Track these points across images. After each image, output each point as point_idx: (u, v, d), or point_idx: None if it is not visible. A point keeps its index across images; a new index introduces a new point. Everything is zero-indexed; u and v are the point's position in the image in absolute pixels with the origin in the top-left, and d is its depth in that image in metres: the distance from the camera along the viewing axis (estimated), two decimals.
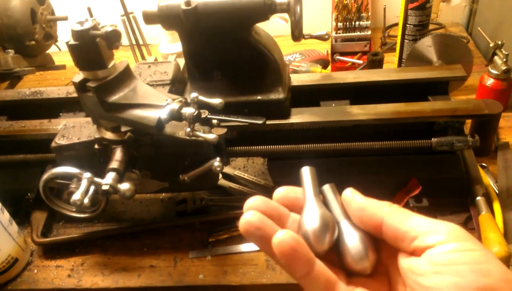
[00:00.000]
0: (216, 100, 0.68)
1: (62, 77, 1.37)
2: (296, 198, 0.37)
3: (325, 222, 0.34)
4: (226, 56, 0.74)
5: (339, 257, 0.35)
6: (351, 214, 0.35)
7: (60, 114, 0.88)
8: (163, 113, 0.61)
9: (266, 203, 0.35)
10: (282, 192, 0.37)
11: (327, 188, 0.38)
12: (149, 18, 0.71)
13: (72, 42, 0.58)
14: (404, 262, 0.32)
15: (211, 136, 0.64)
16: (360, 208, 0.34)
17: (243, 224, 0.33)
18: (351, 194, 0.36)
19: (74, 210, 0.73)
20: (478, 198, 0.73)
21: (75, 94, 0.86)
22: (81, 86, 0.63)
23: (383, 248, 0.36)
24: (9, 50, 1.15)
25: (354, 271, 0.35)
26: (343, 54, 1.20)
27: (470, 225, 0.73)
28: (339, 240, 0.35)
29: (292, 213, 0.37)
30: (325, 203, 0.37)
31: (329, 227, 0.34)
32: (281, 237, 0.31)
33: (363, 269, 0.34)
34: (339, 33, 1.19)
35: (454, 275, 0.28)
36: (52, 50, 1.28)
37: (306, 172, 0.37)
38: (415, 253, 0.32)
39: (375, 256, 0.35)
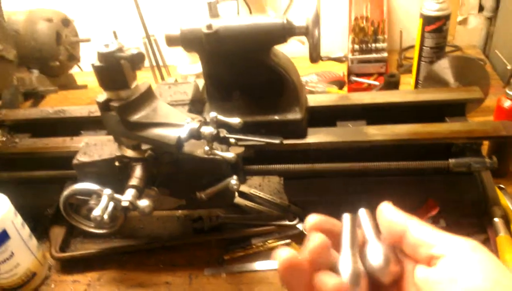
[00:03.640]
0: (235, 120, 0.69)
1: (84, 96, 1.40)
2: (330, 230, 0.37)
3: (356, 278, 0.35)
4: (244, 77, 0.75)
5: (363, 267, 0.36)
6: (380, 224, 0.37)
7: (81, 132, 0.90)
8: (182, 132, 0.63)
9: (326, 220, 0.37)
10: (316, 220, 0.37)
11: (362, 212, 0.39)
12: (172, 41, 0.73)
13: (97, 63, 0.60)
14: (421, 273, 0.34)
15: (229, 155, 0.65)
16: (389, 215, 0.36)
17: (282, 262, 0.33)
18: (384, 206, 0.37)
19: (92, 225, 0.74)
20: (496, 219, 0.72)
21: (96, 113, 0.88)
22: (104, 106, 0.64)
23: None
24: (34, 70, 1.19)
25: (375, 278, 0.36)
26: (359, 75, 1.21)
27: (488, 247, 0.71)
28: (363, 250, 0.37)
29: None
30: (359, 224, 0.38)
31: (360, 283, 0.35)
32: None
33: (382, 276, 0.35)
34: (356, 55, 1.20)
35: (468, 283, 0.30)
36: (74, 70, 1.32)
37: (346, 221, 0.38)
38: (431, 262, 0.33)
39: (396, 268, 0.36)
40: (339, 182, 0.78)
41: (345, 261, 0.36)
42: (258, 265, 0.76)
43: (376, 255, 0.36)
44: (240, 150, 0.72)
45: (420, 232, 0.34)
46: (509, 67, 0.95)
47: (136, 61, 0.58)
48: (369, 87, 1.17)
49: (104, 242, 0.84)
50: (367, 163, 0.75)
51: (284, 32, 0.69)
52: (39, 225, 0.86)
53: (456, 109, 0.82)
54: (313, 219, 0.37)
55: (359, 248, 0.37)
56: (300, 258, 0.33)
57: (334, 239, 0.37)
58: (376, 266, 0.35)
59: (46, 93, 1.22)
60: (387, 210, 0.37)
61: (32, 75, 1.18)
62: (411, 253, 0.35)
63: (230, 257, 0.78)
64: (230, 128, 0.71)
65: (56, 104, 1.28)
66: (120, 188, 0.65)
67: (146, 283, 0.76)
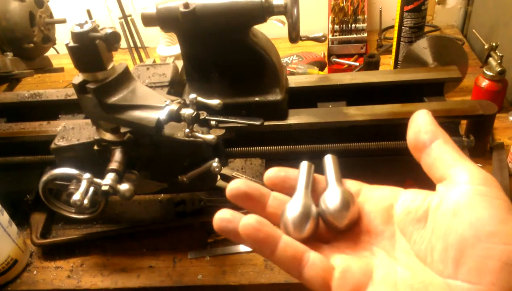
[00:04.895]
0: (215, 101, 0.68)
1: (60, 80, 1.37)
2: (286, 177, 0.39)
3: (306, 212, 0.35)
4: (224, 58, 0.75)
5: (321, 216, 0.36)
6: (409, 129, 0.35)
7: (59, 116, 0.88)
8: (162, 114, 0.62)
9: (247, 184, 0.37)
10: (273, 171, 0.39)
11: (328, 157, 0.40)
12: (148, 21, 0.72)
13: (71, 44, 0.59)
14: (414, 201, 0.34)
15: (210, 137, 0.64)
16: (421, 121, 0.35)
17: (216, 220, 0.34)
18: (421, 111, 0.35)
19: (73, 211, 0.73)
20: None
21: (74, 96, 0.86)
22: (80, 88, 0.63)
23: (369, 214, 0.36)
24: (8, 52, 1.15)
25: (332, 225, 0.36)
26: (339, 56, 1.21)
27: None
28: (322, 196, 0.37)
29: (273, 192, 0.38)
30: (324, 171, 0.39)
31: (310, 218, 0.35)
32: (245, 221, 0.33)
33: (340, 221, 0.35)
34: (336, 35, 1.20)
35: (472, 219, 0.28)
36: (50, 53, 1.28)
37: (303, 167, 0.39)
38: (438, 187, 0.32)
39: (353, 213, 0.36)
40: (320, 164, 0.78)
41: (296, 200, 0.36)
42: (241, 247, 0.76)
43: (333, 199, 0.36)
44: (221, 132, 0.72)
45: (444, 148, 0.32)
46: (486, 46, 0.96)
47: (112, 41, 0.56)
48: (350, 68, 1.17)
49: (85, 228, 0.83)
50: (348, 144, 0.75)
51: (263, 11, 0.68)
52: (19, 211, 0.85)
53: (434, 89, 0.83)
54: (271, 171, 0.39)
55: (319, 194, 0.37)
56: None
57: (292, 188, 0.38)
58: (331, 209, 0.35)
59: (21, 77, 1.19)
60: (422, 116, 0.35)
61: (6, 58, 1.14)
62: (427, 168, 0.33)
63: (213, 239, 0.78)
64: (211, 110, 0.70)
65: (32, 88, 1.25)
66: (100, 172, 0.64)
67: (130, 267, 0.76)
